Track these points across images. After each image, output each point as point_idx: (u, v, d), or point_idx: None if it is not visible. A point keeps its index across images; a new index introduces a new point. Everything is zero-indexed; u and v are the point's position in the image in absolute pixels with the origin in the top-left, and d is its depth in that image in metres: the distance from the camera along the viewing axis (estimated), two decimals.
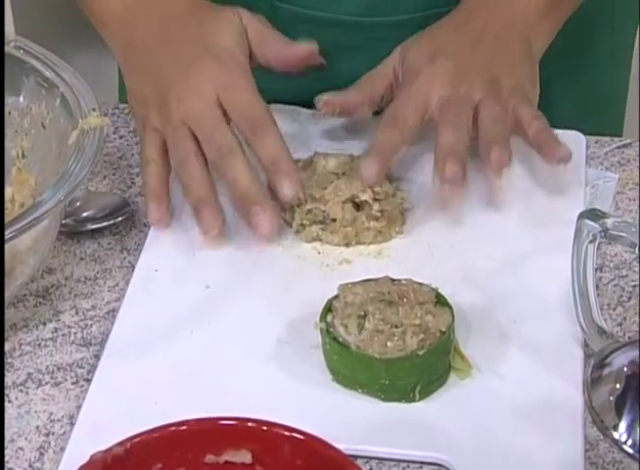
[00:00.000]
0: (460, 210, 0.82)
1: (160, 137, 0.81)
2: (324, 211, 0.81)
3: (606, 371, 0.62)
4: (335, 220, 0.81)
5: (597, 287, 0.72)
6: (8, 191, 0.80)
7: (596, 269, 0.73)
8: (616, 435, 0.61)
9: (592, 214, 0.70)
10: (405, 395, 0.71)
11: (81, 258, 0.81)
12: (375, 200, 0.80)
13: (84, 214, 0.82)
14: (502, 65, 0.83)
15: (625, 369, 0.62)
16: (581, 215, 0.71)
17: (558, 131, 0.88)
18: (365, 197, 0.80)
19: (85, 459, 0.63)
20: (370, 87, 0.85)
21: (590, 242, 0.70)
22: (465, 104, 0.81)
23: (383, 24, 0.91)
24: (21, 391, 0.73)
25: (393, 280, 0.74)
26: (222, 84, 0.80)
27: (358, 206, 0.81)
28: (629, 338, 0.73)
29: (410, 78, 0.82)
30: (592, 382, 0.61)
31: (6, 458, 0.69)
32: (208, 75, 0.80)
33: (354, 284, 0.74)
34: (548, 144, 0.81)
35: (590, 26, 0.95)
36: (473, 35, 0.84)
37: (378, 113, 0.91)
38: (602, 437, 0.63)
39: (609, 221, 0.70)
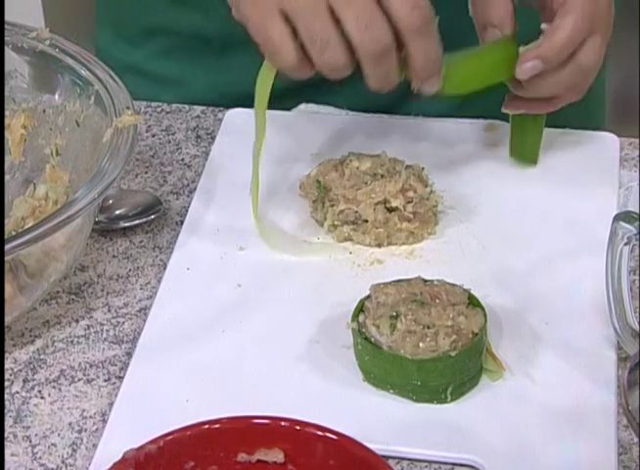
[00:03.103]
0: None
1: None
2: (356, 212, 0.81)
3: None
4: (367, 221, 0.81)
5: (631, 289, 0.71)
6: (42, 188, 0.81)
7: (630, 272, 0.72)
8: None
9: (627, 217, 0.70)
10: (437, 396, 0.71)
11: (114, 256, 0.82)
12: (408, 202, 0.80)
13: (117, 212, 0.83)
14: None
15: None
16: (616, 218, 0.70)
17: (592, 133, 0.88)
18: (397, 203, 0.80)
19: (118, 457, 0.63)
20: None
21: (625, 244, 0.70)
22: None
23: None
24: (53, 387, 0.73)
25: (426, 281, 0.74)
26: None
27: (391, 208, 0.81)
28: None
29: None
30: (628, 385, 0.61)
31: (39, 454, 0.69)
32: None
33: (386, 284, 0.74)
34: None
35: None
36: None
37: (406, 113, 0.91)
38: (636, 440, 0.63)
39: None
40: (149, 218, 0.83)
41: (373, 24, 0.71)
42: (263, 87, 0.78)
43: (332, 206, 0.81)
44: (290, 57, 0.73)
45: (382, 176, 0.81)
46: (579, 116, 0.87)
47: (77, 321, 0.77)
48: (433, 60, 0.74)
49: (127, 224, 0.83)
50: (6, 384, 0.73)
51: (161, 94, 0.95)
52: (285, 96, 0.84)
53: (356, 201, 0.80)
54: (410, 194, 0.80)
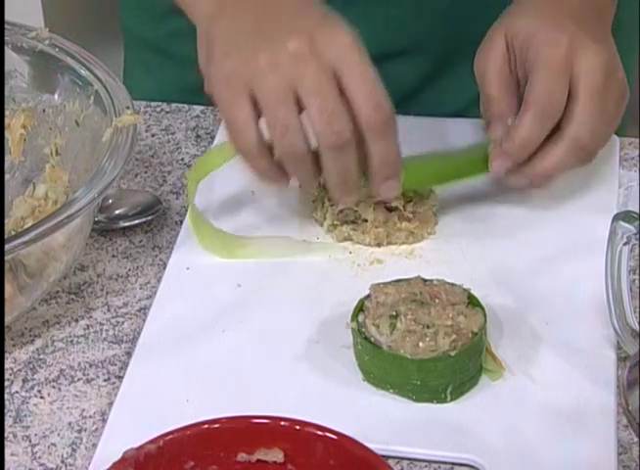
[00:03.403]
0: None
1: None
2: (356, 211, 0.81)
3: None
4: (366, 221, 0.81)
5: (631, 289, 0.71)
6: (41, 188, 0.81)
7: (630, 271, 0.72)
8: None
9: (627, 216, 0.70)
10: (437, 395, 0.71)
11: (113, 256, 0.82)
12: (407, 202, 0.80)
13: (116, 212, 0.83)
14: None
15: None
16: (616, 217, 0.70)
17: None
18: (396, 203, 0.80)
19: (118, 456, 0.63)
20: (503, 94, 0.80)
21: (624, 244, 0.70)
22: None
23: None
24: (53, 387, 0.73)
25: (425, 280, 0.74)
26: (345, 60, 0.72)
27: (390, 208, 0.81)
28: None
29: (543, 52, 0.77)
30: (628, 384, 0.61)
31: (38, 454, 0.69)
32: (329, 41, 0.73)
33: (386, 284, 0.74)
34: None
35: None
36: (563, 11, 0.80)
37: (406, 113, 0.91)
38: (635, 440, 0.63)
39: None
40: (148, 218, 0.83)
41: (335, 118, 0.71)
42: (216, 162, 0.78)
43: (331, 205, 0.81)
44: (250, 139, 0.73)
45: None
46: None
47: (77, 321, 0.77)
48: (391, 162, 0.74)
49: (127, 224, 0.83)
50: (6, 384, 0.73)
51: (187, 75, 0.92)
52: None
53: (356, 200, 0.80)
54: (410, 193, 0.80)
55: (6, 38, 0.82)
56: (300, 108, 0.72)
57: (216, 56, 0.74)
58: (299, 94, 0.72)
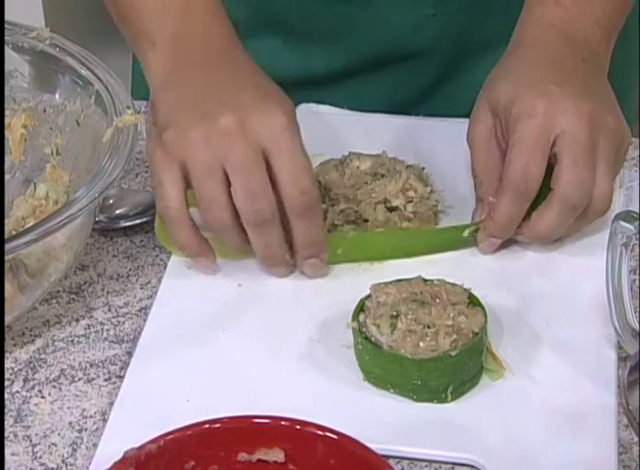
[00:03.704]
0: None
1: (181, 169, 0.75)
2: (356, 211, 0.81)
3: None
4: (367, 221, 0.81)
5: (631, 289, 0.71)
6: (42, 188, 0.81)
7: (630, 271, 0.72)
8: None
9: (627, 216, 0.70)
10: (437, 395, 0.71)
11: (114, 256, 0.82)
12: (408, 202, 0.80)
13: (117, 212, 0.83)
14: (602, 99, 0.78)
15: None
16: (616, 217, 0.70)
17: None
18: (397, 203, 0.80)
19: (118, 456, 0.63)
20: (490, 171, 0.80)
21: (625, 244, 0.70)
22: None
23: (400, 1, 0.90)
24: (54, 387, 0.73)
25: (426, 280, 0.74)
26: (275, 143, 0.74)
27: (391, 208, 0.81)
28: None
29: (523, 122, 0.76)
30: (629, 384, 0.61)
31: (39, 454, 0.69)
32: (262, 122, 0.75)
33: (387, 284, 0.74)
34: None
35: None
36: (565, 68, 0.79)
37: (406, 113, 0.91)
38: (636, 439, 0.63)
39: None
40: (149, 218, 0.83)
41: (257, 197, 0.73)
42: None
43: (332, 205, 0.81)
44: (173, 205, 0.75)
45: (382, 176, 0.81)
46: None
47: (78, 321, 0.77)
48: (313, 243, 0.76)
49: (128, 224, 0.83)
50: (6, 383, 0.73)
51: None
52: None
53: (356, 200, 0.80)
54: (410, 193, 0.80)
55: (7, 38, 0.82)
56: (229, 182, 0.74)
57: (158, 124, 0.76)
58: (226, 171, 0.74)
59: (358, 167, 0.82)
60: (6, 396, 0.72)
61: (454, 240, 0.80)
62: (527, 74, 0.79)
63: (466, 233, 0.80)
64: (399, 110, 0.92)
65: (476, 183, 0.81)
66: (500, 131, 0.79)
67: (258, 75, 0.78)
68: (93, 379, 0.73)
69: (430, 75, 0.94)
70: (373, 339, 0.71)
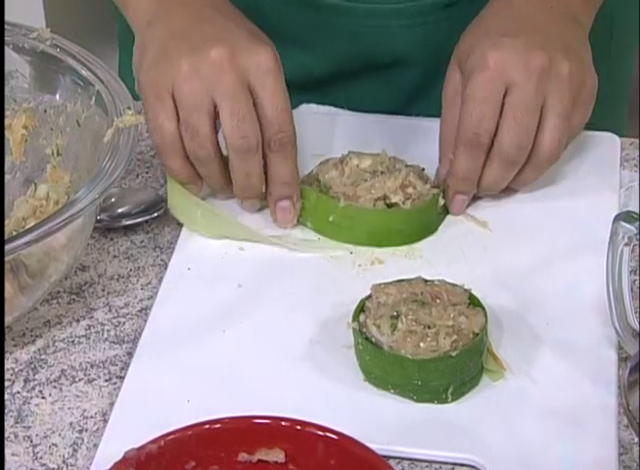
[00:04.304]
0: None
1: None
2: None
3: None
4: None
5: (632, 289, 0.71)
6: (43, 188, 0.81)
7: (631, 272, 0.72)
8: None
9: (628, 217, 0.70)
10: (438, 395, 0.71)
11: (114, 256, 0.82)
12: (407, 199, 0.80)
13: (119, 210, 0.83)
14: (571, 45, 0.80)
15: None
16: (617, 218, 0.70)
17: (592, 133, 0.88)
18: (396, 199, 0.80)
19: (119, 456, 0.63)
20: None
21: (625, 244, 0.70)
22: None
23: (377, 12, 0.91)
24: (54, 387, 0.73)
25: (426, 281, 0.74)
26: (260, 80, 0.78)
27: (390, 204, 0.81)
28: None
29: (479, 67, 0.78)
30: (629, 385, 0.61)
31: (40, 454, 0.70)
32: (250, 58, 0.78)
33: (387, 284, 0.74)
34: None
35: None
36: (526, 19, 0.81)
37: (406, 113, 0.91)
38: (636, 440, 0.63)
39: None
40: (152, 216, 0.83)
41: (244, 123, 0.77)
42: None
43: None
44: (166, 135, 0.78)
45: (381, 173, 0.81)
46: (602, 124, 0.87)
47: (78, 321, 0.77)
48: (285, 182, 0.80)
49: (129, 222, 0.83)
50: (7, 384, 0.73)
51: None
52: None
53: (356, 197, 0.80)
54: (410, 190, 0.80)
55: (7, 39, 0.82)
56: (216, 113, 0.77)
57: (148, 59, 0.79)
58: (215, 100, 0.77)
59: (358, 166, 0.82)
60: (7, 396, 0.72)
61: (435, 213, 0.81)
62: (484, 27, 0.81)
63: (441, 200, 0.81)
64: (389, 108, 0.92)
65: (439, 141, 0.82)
66: (463, 86, 0.80)
67: (244, 19, 0.82)
68: (94, 379, 0.74)
69: (411, 83, 0.94)
70: (373, 339, 0.71)
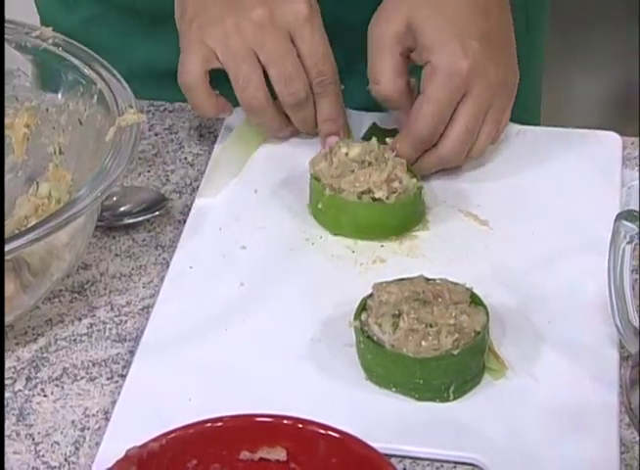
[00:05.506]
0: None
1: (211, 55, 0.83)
2: None
3: None
4: None
5: (633, 288, 0.71)
6: (44, 187, 0.81)
7: (633, 271, 0.72)
8: None
9: (629, 216, 0.70)
10: (439, 394, 0.71)
11: (116, 255, 0.82)
12: (392, 193, 0.80)
13: (121, 209, 0.83)
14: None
15: None
16: (619, 217, 0.70)
17: (594, 132, 0.88)
18: (379, 194, 0.79)
19: (121, 455, 0.63)
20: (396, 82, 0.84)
21: (627, 243, 0.70)
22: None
23: None
24: (56, 385, 0.73)
25: (428, 279, 0.74)
26: (298, 32, 0.83)
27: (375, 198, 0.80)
28: None
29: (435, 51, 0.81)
30: (630, 383, 0.61)
31: (42, 452, 0.70)
32: (287, 14, 0.82)
33: (389, 283, 0.74)
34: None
35: None
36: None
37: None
38: (637, 438, 0.63)
39: None
40: (154, 214, 0.83)
41: (291, 81, 0.83)
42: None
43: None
44: (197, 73, 0.83)
45: (369, 164, 0.80)
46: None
47: (80, 320, 0.77)
48: (331, 119, 0.85)
49: (131, 220, 0.83)
50: (9, 382, 0.73)
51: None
52: None
53: (340, 190, 0.80)
54: (395, 184, 0.80)
55: (9, 37, 0.82)
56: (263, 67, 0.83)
57: (187, 15, 0.84)
58: (260, 59, 0.82)
59: (347, 154, 0.81)
60: (8, 394, 0.72)
61: (419, 206, 0.82)
62: (450, 18, 0.82)
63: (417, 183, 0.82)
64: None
65: (375, 90, 0.83)
66: (408, 47, 0.82)
67: None
68: (95, 378, 0.74)
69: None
70: (375, 338, 0.71)
